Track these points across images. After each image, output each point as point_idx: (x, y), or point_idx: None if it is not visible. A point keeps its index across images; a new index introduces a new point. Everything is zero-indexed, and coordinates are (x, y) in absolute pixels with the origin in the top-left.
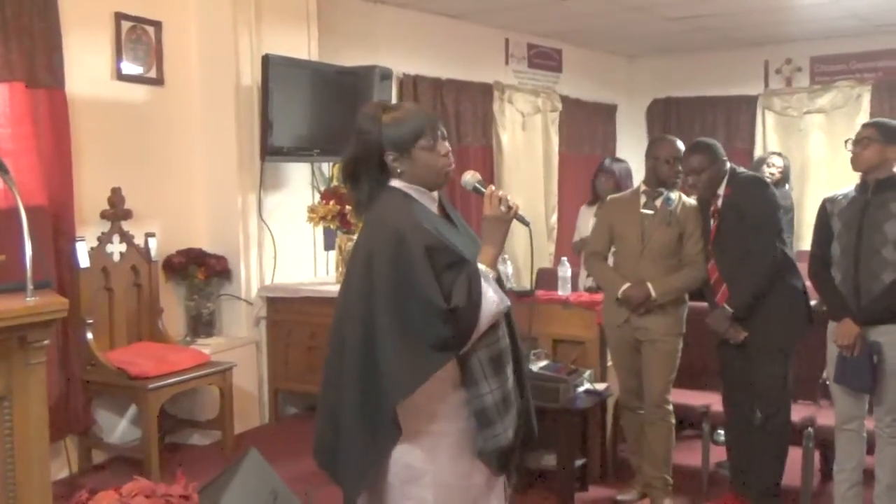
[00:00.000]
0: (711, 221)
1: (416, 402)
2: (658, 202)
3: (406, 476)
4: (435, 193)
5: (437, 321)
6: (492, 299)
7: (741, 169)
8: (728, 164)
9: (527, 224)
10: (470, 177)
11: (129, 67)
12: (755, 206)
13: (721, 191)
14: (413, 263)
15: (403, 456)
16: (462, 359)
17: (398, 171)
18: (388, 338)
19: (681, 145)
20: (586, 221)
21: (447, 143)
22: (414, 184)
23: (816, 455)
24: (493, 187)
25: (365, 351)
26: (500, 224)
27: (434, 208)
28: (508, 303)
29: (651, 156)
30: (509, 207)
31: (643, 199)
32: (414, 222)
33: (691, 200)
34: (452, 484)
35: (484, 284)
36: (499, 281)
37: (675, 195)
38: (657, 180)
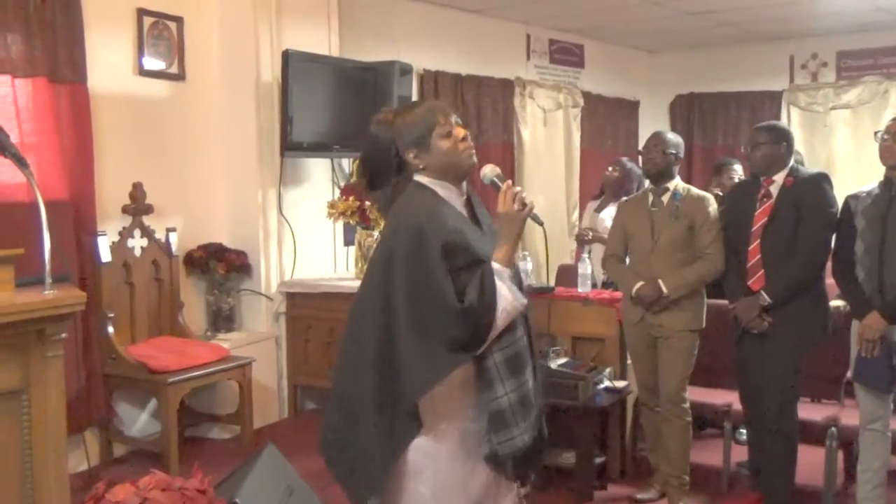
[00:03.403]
0: (757, 204)
1: (426, 400)
2: (664, 198)
3: (406, 470)
4: (463, 187)
5: (453, 321)
6: (506, 297)
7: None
8: (793, 154)
9: (541, 224)
10: (489, 170)
11: (150, 63)
12: (819, 202)
13: (779, 178)
14: (429, 261)
15: (406, 450)
16: (477, 360)
17: (420, 166)
18: (405, 335)
19: (664, 137)
20: (590, 214)
21: (463, 130)
22: (438, 176)
23: (840, 455)
24: (510, 183)
25: (383, 346)
26: (513, 222)
27: (459, 204)
28: (525, 300)
29: None
30: (524, 205)
31: (651, 198)
32: (434, 219)
33: (699, 192)
34: (452, 483)
35: (498, 283)
36: (517, 278)
37: (682, 188)
38: (644, 171)
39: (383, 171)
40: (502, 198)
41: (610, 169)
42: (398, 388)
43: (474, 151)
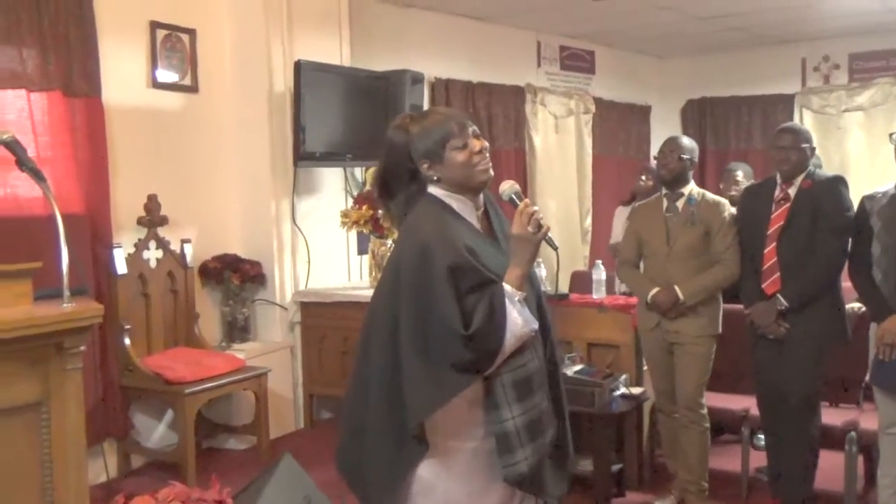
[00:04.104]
0: (773, 207)
1: (433, 417)
2: (679, 203)
3: (417, 488)
4: (479, 200)
5: (457, 343)
6: (516, 321)
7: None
8: (812, 156)
9: (555, 248)
10: (507, 187)
11: (164, 75)
12: (836, 205)
13: (797, 180)
14: (434, 283)
15: (417, 468)
16: (486, 381)
17: (434, 178)
18: (411, 356)
19: (680, 142)
20: (621, 221)
21: (482, 141)
22: (452, 189)
23: (860, 459)
24: (528, 203)
25: (391, 363)
26: (527, 244)
27: (475, 218)
28: (535, 325)
29: None
30: (539, 227)
31: (665, 203)
32: (443, 237)
33: (714, 196)
34: (463, 502)
35: (508, 306)
36: (533, 300)
37: (696, 193)
38: (659, 176)
39: (398, 178)
40: (517, 218)
41: (643, 178)
42: (404, 408)
43: (490, 166)
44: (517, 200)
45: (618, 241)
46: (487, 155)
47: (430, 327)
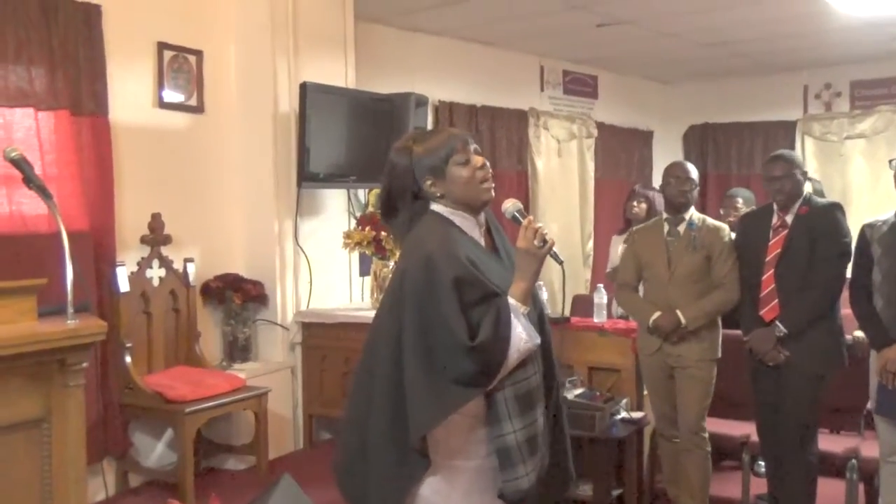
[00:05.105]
0: (770, 233)
1: (436, 435)
2: (681, 228)
3: None
4: (481, 217)
5: (462, 356)
6: (520, 336)
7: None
8: (807, 182)
9: (560, 262)
10: (510, 205)
11: (170, 95)
12: (833, 232)
13: (794, 207)
14: (440, 295)
15: (419, 485)
16: (487, 395)
17: (437, 194)
18: (414, 369)
19: (689, 167)
20: (617, 250)
21: (483, 158)
22: (456, 205)
23: (861, 488)
24: (532, 219)
25: (394, 378)
26: (532, 258)
27: (477, 233)
28: (539, 340)
29: (663, 179)
30: (544, 242)
31: (666, 227)
32: (447, 250)
33: (714, 221)
34: None
35: (513, 320)
36: (536, 315)
37: (697, 218)
38: (667, 202)
39: (400, 199)
40: (522, 233)
41: (635, 204)
42: (406, 422)
43: (493, 185)
44: (520, 218)
45: (615, 267)
46: (489, 171)
47: (434, 339)
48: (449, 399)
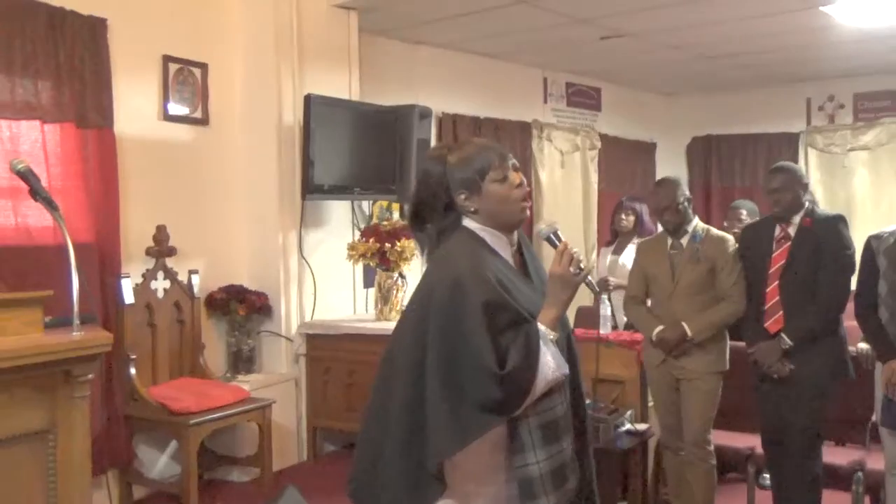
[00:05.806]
0: (774, 245)
1: (453, 459)
2: (684, 240)
3: None
4: (513, 236)
5: (488, 382)
6: (548, 364)
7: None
8: (809, 193)
9: (596, 292)
10: (545, 227)
11: (175, 108)
12: (837, 244)
13: (796, 219)
14: (468, 319)
15: None
16: (511, 423)
17: (471, 209)
18: (436, 394)
19: (663, 193)
20: (605, 262)
21: (521, 175)
22: (488, 223)
23: (866, 500)
24: (568, 243)
25: (415, 399)
26: (566, 285)
27: (509, 253)
28: (566, 370)
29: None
30: (580, 269)
31: (670, 240)
32: (477, 272)
33: (718, 232)
34: None
35: (542, 347)
36: (565, 342)
37: (701, 229)
38: (664, 227)
39: (432, 208)
40: (558, 258)
41: (623, 216)
42: (425, 446)
43: (530, 203)
44: (556, 241)
45: (602, 279)
46: (527, 189)
47: (460, 364)
48: (470, 426)
